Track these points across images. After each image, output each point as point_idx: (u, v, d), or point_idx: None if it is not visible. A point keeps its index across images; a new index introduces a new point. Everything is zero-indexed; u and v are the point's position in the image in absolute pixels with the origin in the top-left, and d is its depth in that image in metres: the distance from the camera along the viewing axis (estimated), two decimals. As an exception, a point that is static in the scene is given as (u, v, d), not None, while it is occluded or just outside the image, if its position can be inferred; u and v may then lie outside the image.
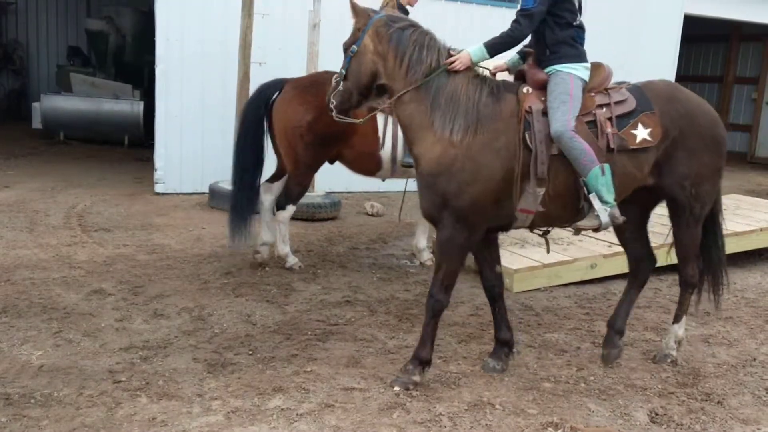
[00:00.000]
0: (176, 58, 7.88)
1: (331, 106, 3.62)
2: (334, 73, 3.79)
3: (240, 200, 5.27)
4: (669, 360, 3.89)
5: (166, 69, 7.89)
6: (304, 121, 5.07)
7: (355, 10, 3.57)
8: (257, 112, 5.28)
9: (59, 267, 5.15)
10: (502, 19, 9.36)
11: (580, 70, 3.52)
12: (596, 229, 3.47)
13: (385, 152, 5.27)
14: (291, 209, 5.37)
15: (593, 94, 3.55)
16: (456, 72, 3.42)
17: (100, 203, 7.35)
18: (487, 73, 3.58)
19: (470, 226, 3.42)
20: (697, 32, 14.67)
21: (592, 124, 3.46)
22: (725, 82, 14.80)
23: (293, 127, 5.12)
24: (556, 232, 5.23)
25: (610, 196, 3.38)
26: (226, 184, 7.44)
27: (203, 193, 7.74)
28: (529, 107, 3.39)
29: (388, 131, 5.24)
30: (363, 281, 5.27)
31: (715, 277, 4.07)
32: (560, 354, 4.05)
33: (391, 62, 3.45)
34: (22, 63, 14.49)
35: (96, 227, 6.37)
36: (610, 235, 5.95)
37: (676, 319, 3.95)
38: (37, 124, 11.11)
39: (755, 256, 6.37)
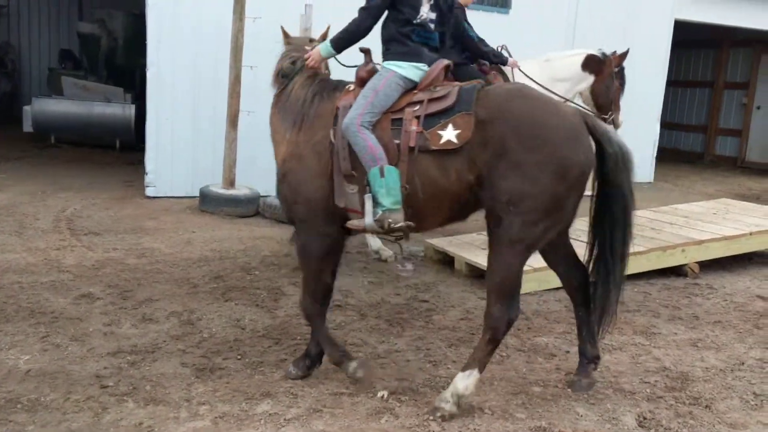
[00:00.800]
0: (167, 61, 7.86)
1: None
2: None
3: None
4: (438, 414, 3.19)
5: (157, 72, 7.86)
6: None
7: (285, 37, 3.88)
8: None
9: (48, 271, 5.13)
10: (493, 25, 9.43)
11: (406, 69, 3.43)
12: (364, 230, 3.35)
13: None
14: None
15: (416, 91, 3.41)
16: (301, 73, 3.59)
17: (90, 207, 7.32)
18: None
19: (317, 228, 3.43)
20: (688, 37, 14.75)
21: (400, 122, 3.33)
22: (716, 87, 14.87)
23: None
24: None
25: (387, 200, 3.20)
26: (217, 187, 7.44)
27: (194, 197, 7.72)
28: (340, 104, 3.41)
29: None
30: (354, 285, 5.26)
31: (603, 313, 3.50)
32: (549, 358, 4.05)
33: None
34: (13, 66, 14.42)
35: (85, 231, 6.34)
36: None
37: (464, 367, 3.29)
38: (28, 127, 11.05)
39: (745, 260, 6.39)
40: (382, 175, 3.20)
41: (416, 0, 3.46)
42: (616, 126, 6.62)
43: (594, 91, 6.43)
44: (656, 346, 4.26)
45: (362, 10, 3.51)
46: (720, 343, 4.34)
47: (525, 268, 5.28)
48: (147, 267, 5.38)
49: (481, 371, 3.27)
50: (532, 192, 3.06)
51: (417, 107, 3.34)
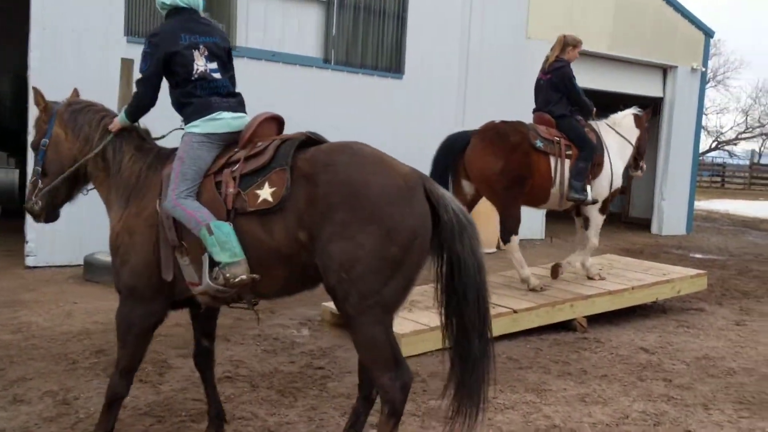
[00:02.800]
0: (51, 124, 7.54)
1: (37, 209, 3.60)
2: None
3: None
4: None
5: (39, 136, 7.52)
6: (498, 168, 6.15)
7: (39, 102, 3.65)
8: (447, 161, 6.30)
9: None
10: (388, 90, 9.66)
11: (201, 125, 3.30)
12: (207, 294, 3.16)
13: (555, 188, 6.42)
14: (516, 239, 6.42)
15: (237, 149, 3.27)
16: (129, 145, 3.46)
17: (-38, 279, 6.80)
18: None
19: (141, 303, 3.27)
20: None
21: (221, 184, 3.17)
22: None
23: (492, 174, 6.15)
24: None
25: (223, 255, 3.01)
26: (104, 255, 7.09)
27: (78, 266, 7.32)
28: (164, 173, 3.31)
29: (557, 171, 6.41)
30: (246, 354, 5.08)
31: (464, 395, 3.05)
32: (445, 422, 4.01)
33: (72, 141, 3.52)
34: None
35: (-46, 306, 5.87)
36: (507, 299, 6.14)
37: None
38: None
39: (629, 313, 6.67)
40: (210, 232, 3.02)
41: (187, 58, 3.34)
42: (643, 171, 7.48)
43: (638, 143, 7.15)
44: (546, 403, 4.32)
45: (139, 81, 3.44)
46: (606, 397, 4.46)
47: (420, 327, 5.39)
48: (22, 343, 5.01)
49: None
50: (360, 255, 2.86)
51: (235, 167, 3.17)
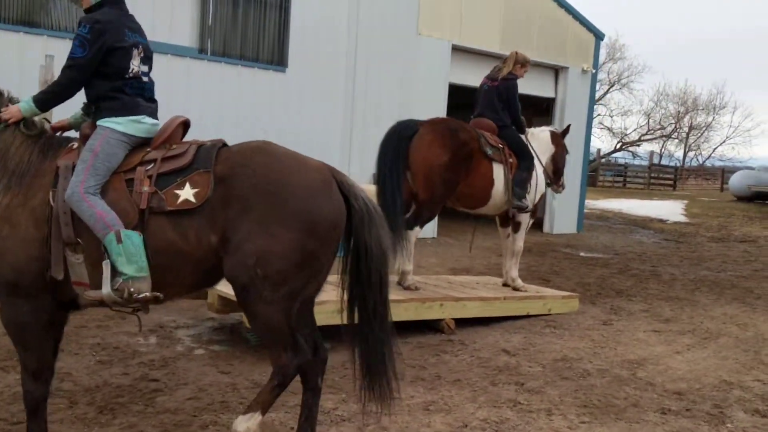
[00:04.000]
0: None
1: None
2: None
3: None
4: None
5: None
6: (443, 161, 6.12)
7: None
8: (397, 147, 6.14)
9: None
10: (270, 84, 9.31)
11: (124, 124, 3.24)
12: (102, 302, 3.08)
13: (496, 192, 6.54)
14: (418, 231, 6.42)
15: (150, 149, 3.24)
16: (19, 132, 3.23)
17: None
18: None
19: (28, 300, 3.04)
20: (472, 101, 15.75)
21: (133, 182, 3.12)
22: (497, 147, 15.95)
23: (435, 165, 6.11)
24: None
25: (129, 268, 2.95)
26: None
27: None
28: (60, 162, 3.14)
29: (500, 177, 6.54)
30: (77, 366, 4.64)
31: (373, 380, 3.26)
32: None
33: None
34: None
35: None
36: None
37: (246, 410, 3.16)
38: None
39: (505, 317, 6.56)
40: (119, 240, 2.93)
41: (128, 56, 3.31)
42: (563, 188, 7.75)
43: (554, 159, 7.43)
44: (387, 413, 4.09)
45: (68, 68, 3.25)
46: (452, 405, 4.28)
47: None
48: None
49: (263, 414, 3.15)
50: (279, 251, 2.95)
51: (150, 166, 3.14)
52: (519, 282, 7.09)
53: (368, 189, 10.09)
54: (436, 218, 11.82)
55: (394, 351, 3.31)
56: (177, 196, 3.01)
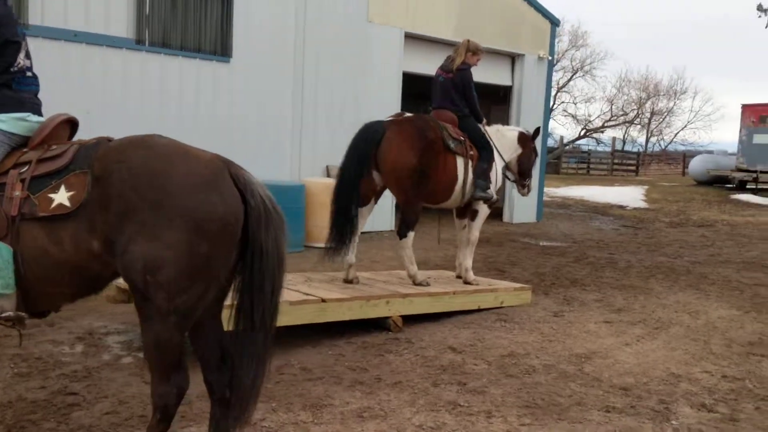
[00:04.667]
0: None
1: None
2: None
3: (340, 224, 6.17)
4: None
5: None
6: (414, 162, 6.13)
7: None
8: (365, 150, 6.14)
9: None
10: (214, 74, 8.98)
11: (7, 122, 2.98)
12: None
13: (458, 185, 6.56)
14: (411, 235, 6.44)
15: (27, 149, 2.96)
16: None
17: None
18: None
19: None
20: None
21: (4, 186, 2.81)
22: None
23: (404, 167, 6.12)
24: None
25: None
26: None
27: None
28: None
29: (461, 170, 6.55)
30: (-9, 379, 4.33)
31: (238, 399, 2.98)
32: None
33: None
34: None
35: None
36: (319, 289, 5.73)
37: None
38: None
39: (456, 312, 6.38)
40: None
41: (18, 49, 3.10)
42: (529, 190, 7.72)
43: (520, 160, 7.40)
44: (319, 422, 3.87)
45: None
46: (388, 410, 4.07)
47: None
48: None
49: None
50: (167, 256, 2.65)
51: (24, 168, 2.85)
52: (471, 275, 6.97)
53: (322, 182, 9.86)
54: (393, 211, 11.67)
55: (265, 371, 3.00)
56: (51, 201, 2.73)
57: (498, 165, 7.03)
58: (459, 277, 7.17)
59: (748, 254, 10.82)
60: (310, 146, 10.22)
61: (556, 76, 46.48)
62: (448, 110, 6.76)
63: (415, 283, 6.41)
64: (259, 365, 2.94)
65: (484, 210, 7.02)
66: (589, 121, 49.04)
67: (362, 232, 10.96)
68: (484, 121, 7.11)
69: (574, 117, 49.16)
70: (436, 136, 6.37)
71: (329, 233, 6.26)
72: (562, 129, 59.37)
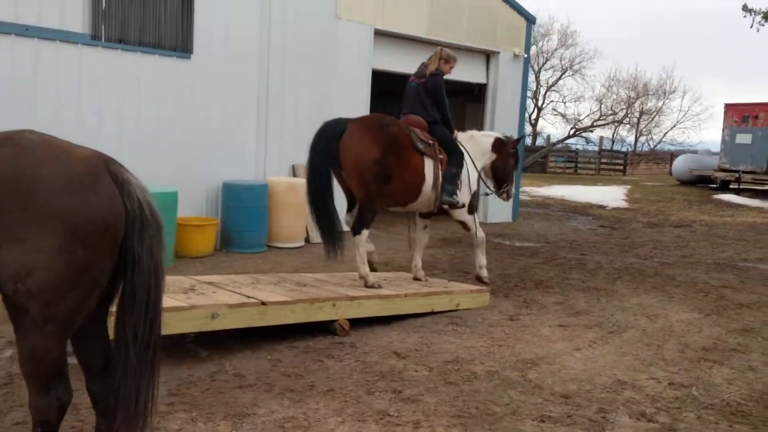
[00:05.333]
0: None
1: None
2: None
3: (323, 224, 6.25)
4: None
5: None
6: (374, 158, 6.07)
7: None
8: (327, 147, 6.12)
9: None
10: (173, 72, 8.77)
11: None
12: None
13: (426, 187, 6.52)
14: (365, 233, 6.33)
15: None
16: None
17: None
18: None
19: None
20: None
21: None
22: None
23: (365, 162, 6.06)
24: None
25: None
26: None
27: None
28: None
29: (430, 172, 6.52)
30: None
31: (120, 407, 2.78)
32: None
33: None
34: None
35: None
36: (263, 291, 5.58)
37: None
38: None
39: (411, 315, 6.21)
40: None
41: None
42: (509, 196, 7.75)
43: (494, 166, 7.42)
44: (236, 433, 3.70)
45: None
46: (313, 420, 3.90)
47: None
48: None
49: None
50: (38, 262, 2.45)
51: None
52: (485, 272, 7.26)
53: (285, 181, 9.67)
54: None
55: (150, 387, 2.81)
56: None
57: (471, 171, 7.00)
58: (416, 278, 7.04)
59: (720, 255, 10.70)
60: (276, 145, 10.03)
61: (545, 75, 46.54)
62: (417, 115, 6.77)
63: (367, 285, 6.28)
64: (140, 381, 2.75)
65: (467, 218, 7.07)
66: (579, 121, 49.03)
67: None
68: (456, 131, 7.10)
69: (563, 116, 49.17)
70: (401, 132, 6.34)
71: (319, 234, 6.38)
72: (552, 128, 59.30)
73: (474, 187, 7.13)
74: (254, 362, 4.91)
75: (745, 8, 36.34)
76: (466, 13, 12.53)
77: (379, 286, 6.29)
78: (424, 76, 6.85)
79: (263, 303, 5.22)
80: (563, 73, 46.94)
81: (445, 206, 6.77)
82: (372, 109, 11.29)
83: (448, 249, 10.50)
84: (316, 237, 10.13)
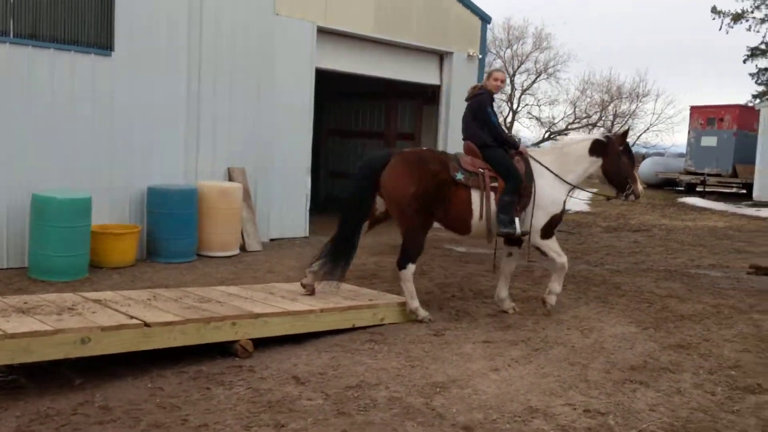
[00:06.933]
0: None
1: None
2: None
3: (341, 246, 6.23)
4: None
5: None
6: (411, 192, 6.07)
7: None
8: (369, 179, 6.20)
9: None
10: (93, 69, 8.24)
11: None
12: None
13: (475, 220, 6.32)
14: (412, 267, 6.24)
15: None
16: None
17: None
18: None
19: None
20: (362, 90, 14.99)
21: None
22: (388, 137, 15.20)
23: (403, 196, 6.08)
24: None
25: None
26: None
27: None
28: None
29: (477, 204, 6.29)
30: None
31: None
32: None
33: None
34: None
35: None
36: (150, 310, 5.07)
37: None
38: None
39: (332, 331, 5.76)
40: None
41: None
42: (637, 196, 7.01)
43: (605, 171, 6.85)
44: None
45: None
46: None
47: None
48: None
49: None
50: None
51: None
52: (554, 299, 6.72)
53: (217, 186, 9.16)
54: (307, 215, 11.02)
55: None
56: None
57: (551, 190, 6.56)
58: (504, 311, 6.78)
59: (674, 261, 10.36)
60: (209, 147, 9.52)
61: (519, 79, 46.38)
62: (471, 140, 6.56)
63: (418, 320, 6.23)
64: None
65: (542, 243, 6.65)
66: (553, 124, 48.92)
67: (271, 239, 10.52)
68: (519, 143, 6.80)
69: (538, 119, 49.02)
70: (442, 168, 6.20)
71: (326, 253, 6.26)
72: (527, 131, 59.23)
73: (555, 209, 6.62)
74: (131, 391, 4.41)
75: (714, 10, 36.58)
76: (417, 12, 12.11)
77: (430, 320, 6.26)
78: (468, 99, 6.73)
79: (146, 324, 4.71)
80: (538, 77, 46.83)
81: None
82: (318, 109, 10.91)
83: (393, 258, 10.04)
84: (252, 244, 9.68)
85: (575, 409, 4.24)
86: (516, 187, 6.34)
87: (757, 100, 33.97)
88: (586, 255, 10.75)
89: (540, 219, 6.50)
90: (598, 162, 6.80)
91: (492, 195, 6.30)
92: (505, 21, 43.62)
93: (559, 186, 6.62)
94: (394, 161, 6.21)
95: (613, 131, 7.70)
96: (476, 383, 4.66)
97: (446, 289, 7.83)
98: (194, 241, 8.81)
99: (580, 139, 6.98)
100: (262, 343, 5.29)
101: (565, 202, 6.70)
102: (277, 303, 5.78)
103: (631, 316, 6.74)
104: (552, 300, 6.68)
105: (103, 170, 8.36)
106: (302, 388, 4.51)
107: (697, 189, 22.24)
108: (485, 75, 6.82)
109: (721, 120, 22.04)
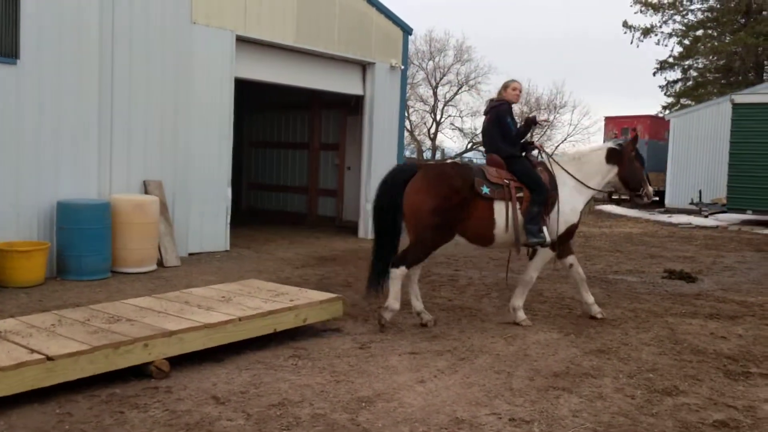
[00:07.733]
0: None
1: None
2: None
3: (377, 267, 6.45)
4: None
5: None
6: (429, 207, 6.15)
7: None
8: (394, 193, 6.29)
9: None
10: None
11: None
12: None
13: (499, 230, 6.38)
14: (404, 270, 6.31)
15: None
16: None
17: None
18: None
19: None
20: (286, 100, 14.81)
21: None
22: (312, 148, 15.07)
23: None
24: None
25: None
26: None
27: None
28: None
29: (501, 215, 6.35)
30: None
31: None
32: None
33: None
34: None
35: None
36: (54, 339, 4.75)
37: None
38: None
39: (249, 341, 5.56)
40: None
41: None
42: (649, 198, 7.19)
43: (622, 177, 7.00)
44: None
45: None
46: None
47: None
48: None
49: None
50: None
51: None
52: (520, 315, 6.73)
53: (131, 199, 8.78)
54: (228, 228, 10.74)
55: None
56: None
57: (569, 200, 6.67)
58: (592, 317, 6.99)
59: (592, 268, 10.64)
60: (123, 159, 9.14)
61: (442, 90, 47.10)
62: (493, 153, 6.63)
63: (380, 324, 6.36)
64: None
65: (545, 252, 6.71)
66: (476, 134, 49.83)
67: (190, 253, 10.19)
68: (539, 147, 6.98)
69: (461, 130, 49.85)
70: (465, 182, 6.25)
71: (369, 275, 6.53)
72: (450, 142, 60.24)
73: (573, 218, 6.72)
74: (37, 417, 4.11)
75: (625, 25, 38.22)
76: (338, 22, 12.06)
77: (385, 322, 6.39)
78: (487, 112, 6.75)
79: (49, 358, 4.38)
80: (459, 88, 47.66)
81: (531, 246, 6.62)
82: (240, 120, 10.66)
83: (323, 267, 9.91)
84: (170, 259, 9.33)
85: (500, 418, 4.23)
86: (543, 198, 6.44)
87: (667, 111, 35.70)
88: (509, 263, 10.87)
89: (561, 227, 6.63)
90: (614, 169, 7.02)
91: (518, 205, 6.38)
92: (427, 33, 44.36)
93: (578, 195, 6.78)
94: (418, 176, 6.29)
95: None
96: (402, 396, 4.59)
97: (372, 300, 7.74)
98: (107, 257, 8.41)
99: (596, 149, 7.17)
100: (180, 361, 5.06)
101: (581, 212, 6.88)
102: (193, 315, 5.52)
103: (553, 322, 6.84)
104: (521, 316, 6.74)
105: (8, 185, 7.89)
106: (222, 408, 4.32)
107: (613, 197, 23.06)
108: (502, 86, 6.82)
109: (634, 129, 22.98)
